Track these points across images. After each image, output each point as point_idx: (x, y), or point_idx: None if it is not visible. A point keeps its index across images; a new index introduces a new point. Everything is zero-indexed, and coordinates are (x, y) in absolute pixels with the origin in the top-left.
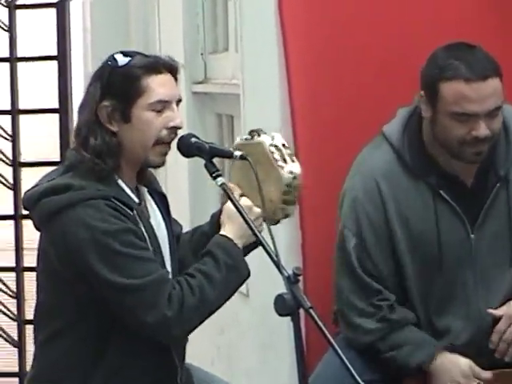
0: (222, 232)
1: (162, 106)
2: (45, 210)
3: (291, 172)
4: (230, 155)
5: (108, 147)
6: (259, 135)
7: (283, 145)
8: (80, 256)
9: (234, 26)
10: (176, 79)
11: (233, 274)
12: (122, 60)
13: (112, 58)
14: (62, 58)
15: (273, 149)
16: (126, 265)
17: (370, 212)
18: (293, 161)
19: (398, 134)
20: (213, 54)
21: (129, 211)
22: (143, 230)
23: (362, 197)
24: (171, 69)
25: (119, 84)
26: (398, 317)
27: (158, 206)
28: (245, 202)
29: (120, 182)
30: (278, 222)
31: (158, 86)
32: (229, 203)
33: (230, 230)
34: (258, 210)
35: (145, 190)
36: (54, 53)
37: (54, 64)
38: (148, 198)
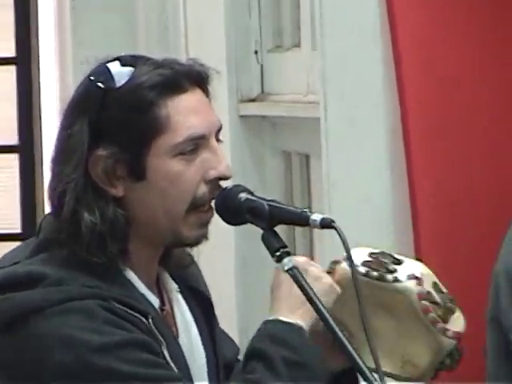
0: (272, 314)
1: (194, 145)
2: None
3: (456, 335)
4: (304, 220)
5: (110, 226)
6: (390, 272)
7: (434, 284)
8: None
9: (310, 8)
10: (207, 95)
11: (300, 375)
12: (119, 73)
13: (103, 71)
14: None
15: (427, 303)
16: None
17: None
18: (452, 311)
19: None
20: (274, 53)
21: (140, 317)
22: (163, 348)
23: None
24: (199, 80)
25: (121, 119)
26: None
27: (192, 314)
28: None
29: (129, 273)
30: None
31: (185, 114)
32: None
33: (281, 304)
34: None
35: (173, 285)
36: None
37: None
38: (177, 299)
